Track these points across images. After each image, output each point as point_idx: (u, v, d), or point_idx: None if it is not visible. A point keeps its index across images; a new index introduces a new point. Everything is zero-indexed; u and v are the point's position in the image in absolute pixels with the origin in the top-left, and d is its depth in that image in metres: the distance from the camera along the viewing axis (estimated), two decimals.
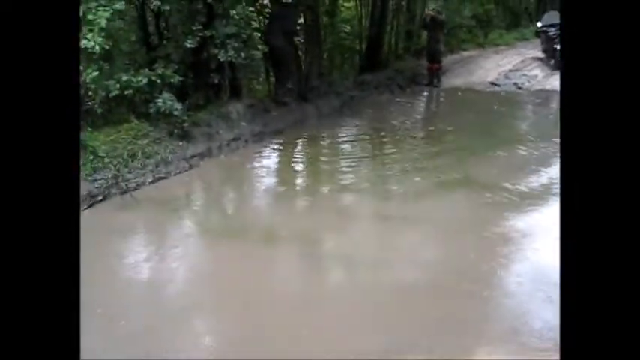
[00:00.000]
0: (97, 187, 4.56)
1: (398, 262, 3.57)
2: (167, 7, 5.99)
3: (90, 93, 5.52)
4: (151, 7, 6.07)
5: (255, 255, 3.75)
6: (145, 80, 5.50)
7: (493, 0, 14.19)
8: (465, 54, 12.40)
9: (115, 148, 5.06)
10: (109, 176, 4.72)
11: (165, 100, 5.52)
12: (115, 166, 4.82)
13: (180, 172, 5.35)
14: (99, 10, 5.07)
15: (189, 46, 6.02)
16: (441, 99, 9.71)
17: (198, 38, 6.04)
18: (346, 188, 5.07)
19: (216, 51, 6.11)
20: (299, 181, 5.59)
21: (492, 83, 10.18)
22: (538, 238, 3.84)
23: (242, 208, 4.97)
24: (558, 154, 5.58)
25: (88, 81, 5.17)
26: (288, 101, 7.19)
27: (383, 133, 7.11)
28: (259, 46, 6.98)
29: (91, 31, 5.03)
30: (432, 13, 10.20)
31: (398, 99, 9.19)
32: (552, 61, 10.72)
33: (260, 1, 7.58)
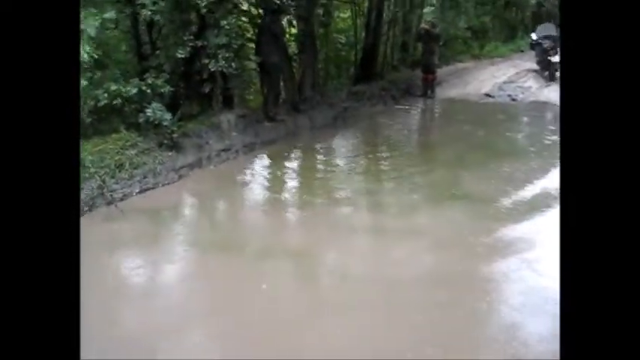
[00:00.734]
0: (81, 198, 4.50)
1: (389, 276, 3.50)
2: (159, 17, 5.98)
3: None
4: (143, 17, 6.05)
5: (244, 268, 3.68)
6: (134, 90, 5.47)
7: (489, 12, 14.25)
8: (460, 65, 12.43)
9: (103, 158, 5.01)
10: (94, 186, 4.67)
11: (155, 110, 5.48)
12: (100, 177, 4.77)
13: (168, 183, 5.30)
14: (88, 19, 5.04)
15: (180, 55, 6.00)
16: (435, 110, 9.70)
17: (189, 48, 6.03)
18: (338, 201, 5.01)
19: (207, 61, 6.09)
20: (290, 192, 5.54)
21: (487, 95, 10.20)
22: (532, 251, 3.79)
23: (231, 220, 4.92)
24: (551, 167, 5.60)
25: None
26: (275, 116, 7.11)
27: (376, 145, 7.07)
28: (251, 57, 6.98)
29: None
30: (426, 26, 10.21)
31: (391, 110, 9.18)
32: (546, 73, 10.75)
33: (253, 12, 7.57)
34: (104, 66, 5.98)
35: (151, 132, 5.62)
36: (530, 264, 3.57)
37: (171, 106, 5.85)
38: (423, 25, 10.48)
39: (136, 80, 5.60)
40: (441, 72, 10.81)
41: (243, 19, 7.28)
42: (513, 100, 9.78)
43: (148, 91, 5.59)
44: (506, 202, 4.73)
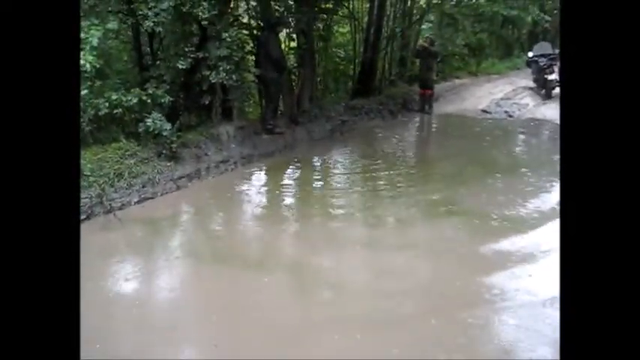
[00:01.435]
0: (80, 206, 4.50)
1: (386, 291, 3.51)
2: (160, 29, 6.04)
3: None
4: (145, 28, 6.11)
5: (240, 279, 3.68)
6: (135, 100, 5.50)
7: (486, 29, 14.41)
8: (458, 81, 12.55)
9: (102, 167, 5.02)
10: (93, 195, 4.67)
11: (155, 120, 5.52)
12: (100, 185, 4.78)
13: (166, 193, 5.31)
14: (91, 29, 5.09)
15: (181, 66, 6.04)
16: (433, 125, 9.77)
17: (190, 59, 6.08)
18: (334, 214, 5.02)
19: (207, 72, 6.13)
20: (287, 205, 5.55)
21: (484, 111, 10.29)
22: (529, 265, 3.81)
23: (227, 231, 4.91)
24: (548, 183, 5.65)
25: None
26: (274, 128, 7.15)
27: (373, 159, 7.10)
28: (251, 69, 7.03)
29: (82, 49, 5.03)
30: (424, 44, 10.32)
31: (389, 124, 9.24)
32: (543, 91, 10.87)
33: (253, 25, 7.65)
34: (105, 75, 6.02)
35: (151, 142, 5.64)
36: (527, 279, 3.60)
37: (171, 117, 5.88)
38: (421, 43, 10.60)
39: (136, 90, 5.63)
40: (439, 88, 10.91)
41: (244, 31, 7.35)
42: (510, 116, 9.86)
43: (148, 101, 5.62)
44: (501, 216, 4.76)
